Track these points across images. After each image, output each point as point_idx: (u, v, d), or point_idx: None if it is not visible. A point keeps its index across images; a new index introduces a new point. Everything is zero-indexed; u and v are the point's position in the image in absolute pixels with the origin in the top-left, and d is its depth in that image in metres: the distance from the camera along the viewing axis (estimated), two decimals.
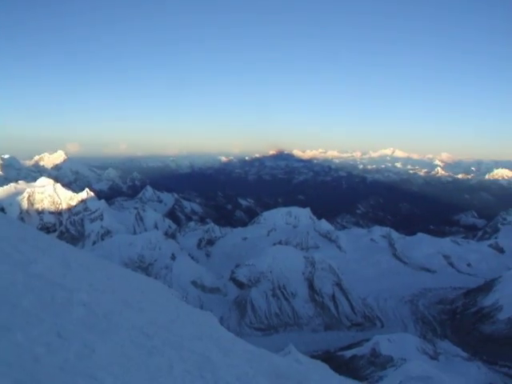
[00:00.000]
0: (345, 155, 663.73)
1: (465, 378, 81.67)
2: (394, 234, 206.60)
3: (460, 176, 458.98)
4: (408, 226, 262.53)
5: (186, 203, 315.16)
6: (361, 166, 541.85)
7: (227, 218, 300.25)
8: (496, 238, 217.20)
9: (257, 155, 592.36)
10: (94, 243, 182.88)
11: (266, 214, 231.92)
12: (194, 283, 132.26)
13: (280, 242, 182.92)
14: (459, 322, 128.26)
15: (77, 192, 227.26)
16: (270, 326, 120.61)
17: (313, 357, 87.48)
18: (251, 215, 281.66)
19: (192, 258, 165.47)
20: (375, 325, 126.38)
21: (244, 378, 12.39)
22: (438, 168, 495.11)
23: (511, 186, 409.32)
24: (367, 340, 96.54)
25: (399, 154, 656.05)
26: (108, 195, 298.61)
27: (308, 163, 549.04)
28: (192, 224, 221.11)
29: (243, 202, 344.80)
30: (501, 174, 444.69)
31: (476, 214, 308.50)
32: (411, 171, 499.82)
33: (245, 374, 12.90)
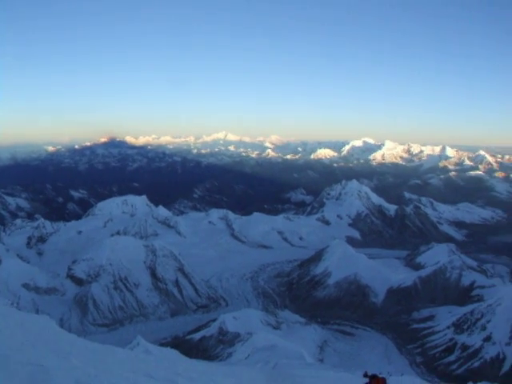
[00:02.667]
0: (178, 140, 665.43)
1: (304, 340, 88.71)
2: (231, 215, 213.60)
3: (289, 156, 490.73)
4: (244, 207, 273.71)
5: (9, 199, 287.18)
6: (195, 151, 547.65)
7: (59, 211, 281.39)
8: (322, 211, 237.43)
9: (87, 143, 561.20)
10: None
11: (100, 204, 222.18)
12: (25, 286, 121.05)
13: (118, 233, 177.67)
14: (296, 291, 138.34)
15: None
16: (116, 320, 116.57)
17: (162, 345, 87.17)
18: (85, 207, 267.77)
19: (21, 258, 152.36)
20: (220, 304, 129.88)
21: (85, 379, 11.71)
22: (269, 150, 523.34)
23: (333, 164, 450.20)
24: (214, 320, 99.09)
25: (232, 137, 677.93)
26: None
27: (142, 150, 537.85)
28: (19, 221, 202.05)
29: (75, 194, 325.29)
30: (324, 153, 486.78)
31: (304, 191, 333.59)
32: (244, 154, 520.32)
33: (86, 375, 12.17)
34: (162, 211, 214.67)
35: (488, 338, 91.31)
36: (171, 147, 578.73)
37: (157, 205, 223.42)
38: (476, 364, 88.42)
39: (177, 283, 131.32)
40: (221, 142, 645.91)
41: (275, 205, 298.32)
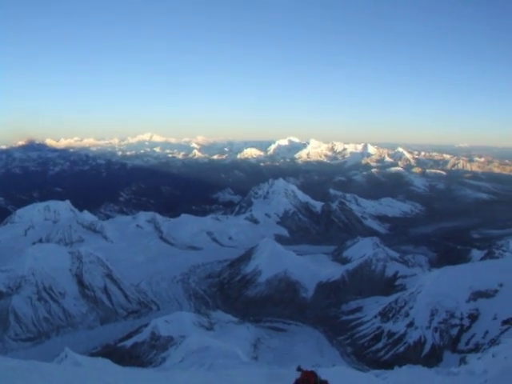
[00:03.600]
0: (102, 142, 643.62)
1: (238, 339, 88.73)
2: (159, 218, 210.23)
3: (215, 157, 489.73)
4: (171, 209, 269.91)
5: None
6: (120, 153, 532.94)
7: None
8: (251, 210, 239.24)
9: (3, 147, 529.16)
10: None
11: (20, 211, 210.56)
12: None
13: (40, 240, 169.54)
14: (227, 291, 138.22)
15: None
16: (41, 333, 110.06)
17: (92, 355, 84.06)
18: (2, 215, 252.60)
19: None
20: (151, 309, 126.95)
21: None
22: (195, 150, 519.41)
23: (260, 163, 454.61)
24: (146, 325, 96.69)
25: (157, 138, 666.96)
26: None
27: (63, 153, 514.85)
28: None
29: None
30: (250, 153, 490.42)
31: (232, 191, 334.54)
32: (170, 155, 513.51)
33: None
34: (87, 216, 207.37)
35: (411, 324, 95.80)
36: (95, 149, 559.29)
37: (81, 210, 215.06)
38: (401, 349, 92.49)
39: (105, 290, 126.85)
40: (146, 143, 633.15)
41: (203, 205, 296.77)
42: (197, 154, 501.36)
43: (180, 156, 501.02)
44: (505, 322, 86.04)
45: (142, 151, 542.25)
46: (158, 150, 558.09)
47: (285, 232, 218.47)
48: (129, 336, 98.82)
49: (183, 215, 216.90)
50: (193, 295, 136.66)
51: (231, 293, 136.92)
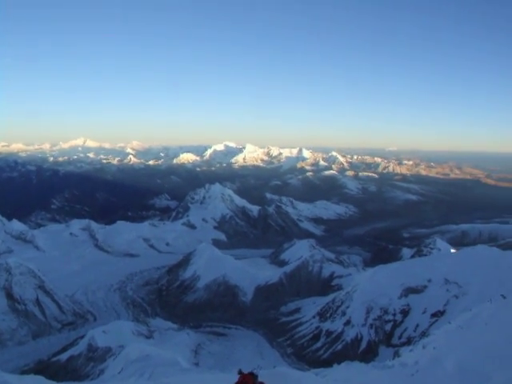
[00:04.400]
0: (32, 148, 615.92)
1: (178, 346, 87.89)
2: (94, 225, 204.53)
3: (151, 162, 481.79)
4: (107, 216, 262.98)
5: None
6: (51, 159, 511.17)
7: None
8: (188, 216, 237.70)
9: None
10: None
11: None
12: None
13: None
14: (166, 297, 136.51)
15: None
16: None
17: (24, 372, 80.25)
18: None
19: None
20: (88, 320, 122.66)
21: None
22: (131, 156, 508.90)
23: (196, 168, 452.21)
24: (82, 337, 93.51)
25: (91, 143, 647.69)
26: None
27: None
28: None
29: None
30: (186, 158, 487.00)
31: (168, 197, 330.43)
32: (104, 160, 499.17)
33: None
34: (17, 225, 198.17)
35: (348, 322, 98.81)
36: (24, 155, 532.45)
37: (10, 219, 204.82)
38: (339, 347, 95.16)
39: (37, 302, 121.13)
40: (79, 148, 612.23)
41: (139, 212, 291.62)
42: (132, 159, 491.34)
43: (115, 161, 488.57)
44: (433, 315, 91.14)
45: (75, 157, 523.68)
46: (91, 155, 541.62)
47: (222, 236, 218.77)
48: (64, 349, 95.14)
49: (119, 222, 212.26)
50: (131, 303, 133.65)
51: (170, 299, 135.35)
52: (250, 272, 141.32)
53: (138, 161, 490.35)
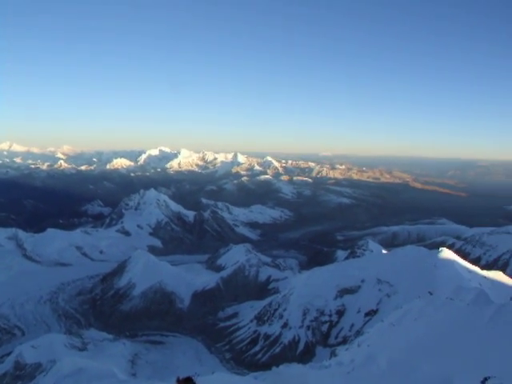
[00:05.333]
0: None
1: (114, 357, 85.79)
2: (22, 234, 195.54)
3: (83, 167, 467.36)
4: (36, 224, 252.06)
5: None
6: None
7: None
8: (122, 222, 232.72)
9: None
10: None
11: None
12: None
13: None
14: (100, 307, 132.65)
15: None
16: None
17: None
18: None
19: None
20: (15, 335, 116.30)
21: None
22: (61, 161, 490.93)
23: (130, 173, 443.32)
24: (8, 354, 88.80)
25: (18, 148, 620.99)
26: None
27: None
28: None
29: None
30: (120, 163, 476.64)
31: (102, 203, 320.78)
32: (33, 166, 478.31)
33: None
34: None
35: (285, 325, 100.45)
36: None
37: None
38: (277, 349, 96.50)
39: None
40: (5, 153, 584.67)
41: (71, 219, 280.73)
42: (63, 164, 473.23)
43: (44, 167, 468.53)
44: (367, 314, 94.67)
45: (0, 162, 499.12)
46: (18, 160, 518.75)
47: (158, 243, 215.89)
48: None
49: (49, 230, 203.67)
50: (63, 315, 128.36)
51: (105, 309, 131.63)
52: (187, 278, 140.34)
53: (69, 166, 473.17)
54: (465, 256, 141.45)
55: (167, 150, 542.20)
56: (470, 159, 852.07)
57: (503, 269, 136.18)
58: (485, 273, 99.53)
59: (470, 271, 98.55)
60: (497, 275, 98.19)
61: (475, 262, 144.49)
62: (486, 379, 20.34)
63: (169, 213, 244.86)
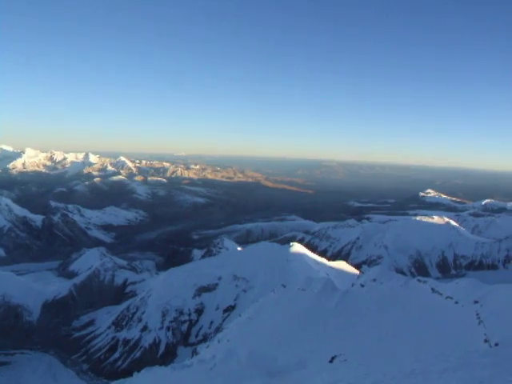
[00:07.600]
0: None
1: None
2: None
3: None
4: None
5: None
6: None
7: None
8: None
9: None
10: None
11: None
12: None
13: None
14: None
15: None
16: None
17: None
18: None
19: None
20: None
21: None
22: None
23: None
24: None
25: None
26: None
27: None
28: None
29: None
30: None
31: None
32: None
33: None
34: None
35: (145, 328, 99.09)
36: None
37: None
38: (138, 354, 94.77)
39: None
40: None
41: None
42: None
43: None
44: (225, 310, 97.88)
45: None
46: None
47: (0, 251, 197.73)
48: None
49: None
50: None
51: None
52: (35, 288, 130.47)
53: None
54: (313, 249, 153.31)
55: (9, 148, 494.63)
56: (315, 159, 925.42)
57: (346, 258, 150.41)
58: (331, 263, 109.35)
59: (318, 263, 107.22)
60: (341, 264, 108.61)
61: (322, 253, 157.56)
62: (333, 358, 22.80)
63: (13, 218, 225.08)
